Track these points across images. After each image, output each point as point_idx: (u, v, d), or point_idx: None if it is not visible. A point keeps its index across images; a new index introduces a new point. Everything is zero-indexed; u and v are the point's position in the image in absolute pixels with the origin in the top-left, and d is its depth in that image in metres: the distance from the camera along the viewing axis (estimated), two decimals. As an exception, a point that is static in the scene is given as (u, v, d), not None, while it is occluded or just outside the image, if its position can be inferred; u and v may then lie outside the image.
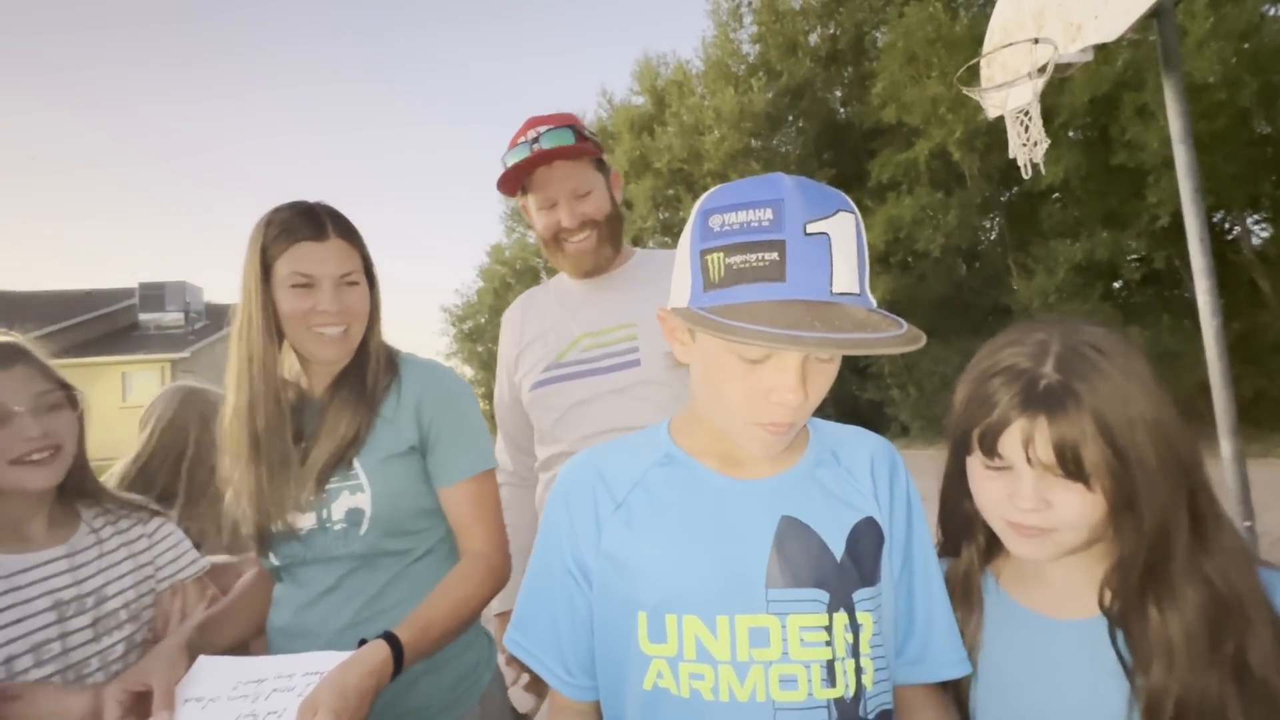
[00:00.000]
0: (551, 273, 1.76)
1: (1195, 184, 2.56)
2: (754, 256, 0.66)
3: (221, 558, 1.74)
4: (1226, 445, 2.50)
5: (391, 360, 1.20)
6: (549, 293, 1.63)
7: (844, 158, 19.24)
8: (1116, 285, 14.62)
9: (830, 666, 0.72)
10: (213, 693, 0.93)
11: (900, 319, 0.68)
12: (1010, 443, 0.76)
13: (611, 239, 1.50)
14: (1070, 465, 0.73)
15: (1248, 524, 2.46)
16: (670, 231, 21.39)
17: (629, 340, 1.44)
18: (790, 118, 20.18)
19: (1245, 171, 11.53)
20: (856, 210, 0.70)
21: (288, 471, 1.10)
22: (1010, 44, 3.13)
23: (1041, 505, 0.76)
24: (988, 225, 17.09)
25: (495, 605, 1.18)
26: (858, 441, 0.86)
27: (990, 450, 0.78)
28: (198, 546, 1.29)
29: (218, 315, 22.52)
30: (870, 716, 0.74)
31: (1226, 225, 13.62)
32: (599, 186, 1.48)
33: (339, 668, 0.90)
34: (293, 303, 1.09)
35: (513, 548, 1.20)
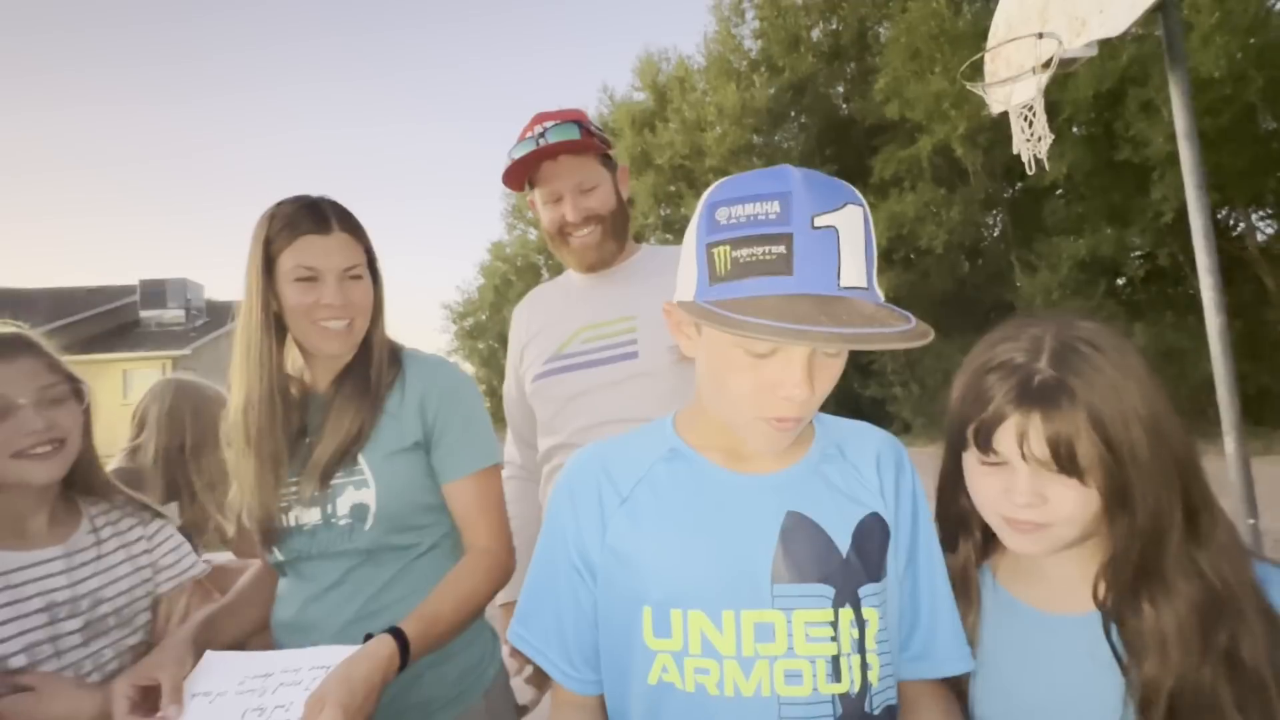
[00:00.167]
0: (554, 269, 1.77)
1: (1200, 180, 2.55)
2: (761, 250, 0.66)
3: (223, 556, 1.75)
4: (1230, 442, 2.49)
5: (395, 355, 1.20)
6: (557, 288, 1.65)
7: (846, 154, 19.19)
8: (1120, 282, 14.60)
9: (835, 662, 0.72)
10: (220, 687, 0.93)
11: (908, 314, 0.67)
12: (1005, 438, 0.76)
13: (616, 234, 1.50)
14: (1065, 460, 0.74)
15: (1251, 521, 2.46)
16: (671, 228, 21.36)
17: (628, 333, 1.44)
18: (792, 113, 20.15)
19: (1250, 167, 11.50)
20: (864, 203, 0.70)
21: (291, 466, 1.11)
22: (1014, 39, 3.12)
23: (1037, 500, 0.76)
24: (991, 221, 17.08)
25: (500, 596, 1.18)
26: (863, 436, 0.86)
27: (985, 446, 0.78)
28: (194, 538, 1.29)
29: (219, 312, 22.58)
30: (875, 712, 0.74)
31: (1231, 221, 13.58)
32: (604, 182, 1.48)
33: (346, 662, 0.90)
34: (297, 296, 1.09)
35: (519, 540, 1.21)
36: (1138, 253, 13.45)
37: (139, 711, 0.90)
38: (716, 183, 0.73)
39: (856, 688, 0.73)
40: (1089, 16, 2.72)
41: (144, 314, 22.88)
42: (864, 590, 0.75)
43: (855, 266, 0.67)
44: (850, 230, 0.67)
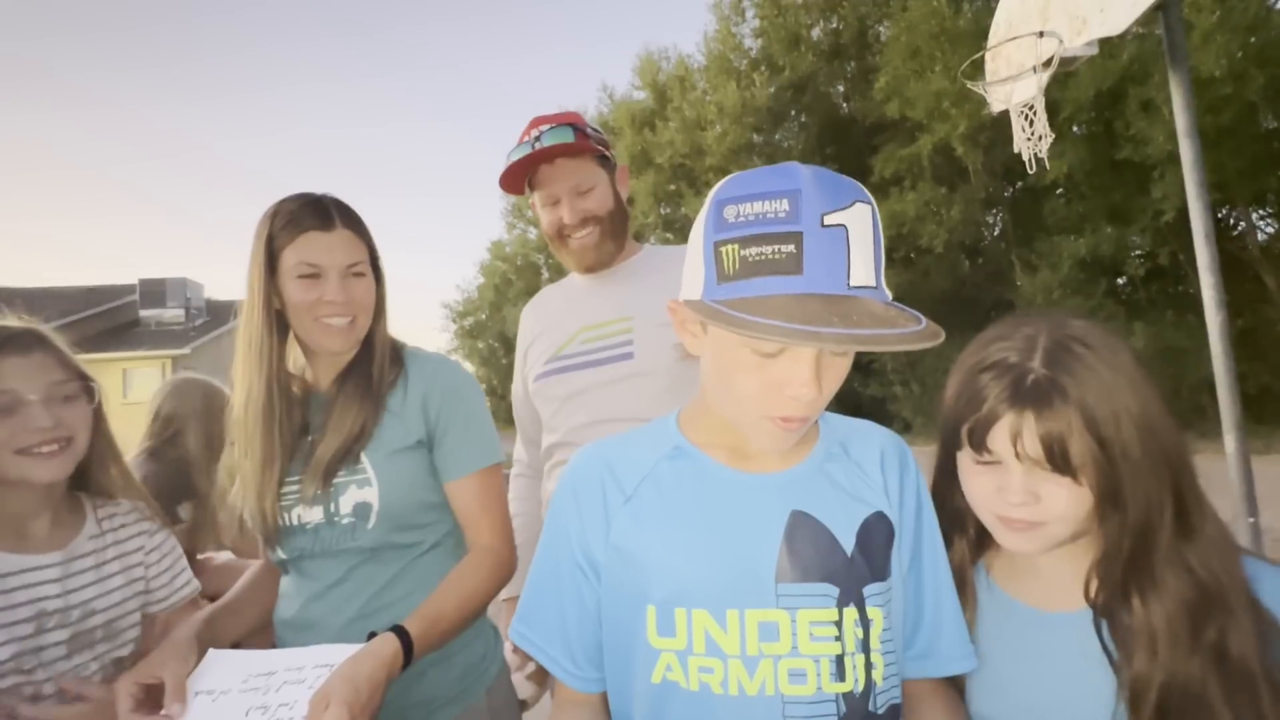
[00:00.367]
0: (554, 268, 1.79)
1: (1200, 179, 2.55)
2: (770, 248, 0.65)
3: (224, 556, 1.75)
4: (1230, 441, 2.50)
5: (397, 354, 1.20)
6: (560, 289, 1.67)
7: (847, 153, 19.20)
8: (1120, 281, 14.61)
9: (840, 661, 0.72)
10: (224, 685, 0.93)
11: (918, 314, 0.67)
12: (999, 437, 0.76)
13: (614, 235, 1.51)
14: (1058, 459, 0.74)
15: (1251, 520, 2.46)
16: (671, 227, 21.36)
17: (624, 333, 1.46)
18: (793, 112, 20.15)
19: (1251, 166, 11.51)
20: (873, 201, 0.69)
21: (293, 464, 1.10)
22: (1015, 38, 3.12)
23: (1030, 499, 0.77)
24: (991, 221, 17.08)
25: (503, 591, 1.19)
26: (868, 435, 0.86)
27: (979, 445, 0.78)
28: (201, 535, 1.28)
29: (218, 311, 22.57)
30: (880, 711, 0.74)
31: (1232, 220, 13.58)
32: (602, 183, 1.49)
33: (350, 660, 0.90)
34: (299, 293, 1.09)
35: (525, 537, 1.22)
36: (1138, 252, 13.46)
37: (142, 709, 0.90)
38: (724, 179, 0.72)
39: (861, 687, 0.72)
40: (1090, 15, 2.72)
41: (144, 313, 22.86)
42: (868, 589, 0.75)
43: (864, 265, 0.66)
44: (859, 228, 0.66)
